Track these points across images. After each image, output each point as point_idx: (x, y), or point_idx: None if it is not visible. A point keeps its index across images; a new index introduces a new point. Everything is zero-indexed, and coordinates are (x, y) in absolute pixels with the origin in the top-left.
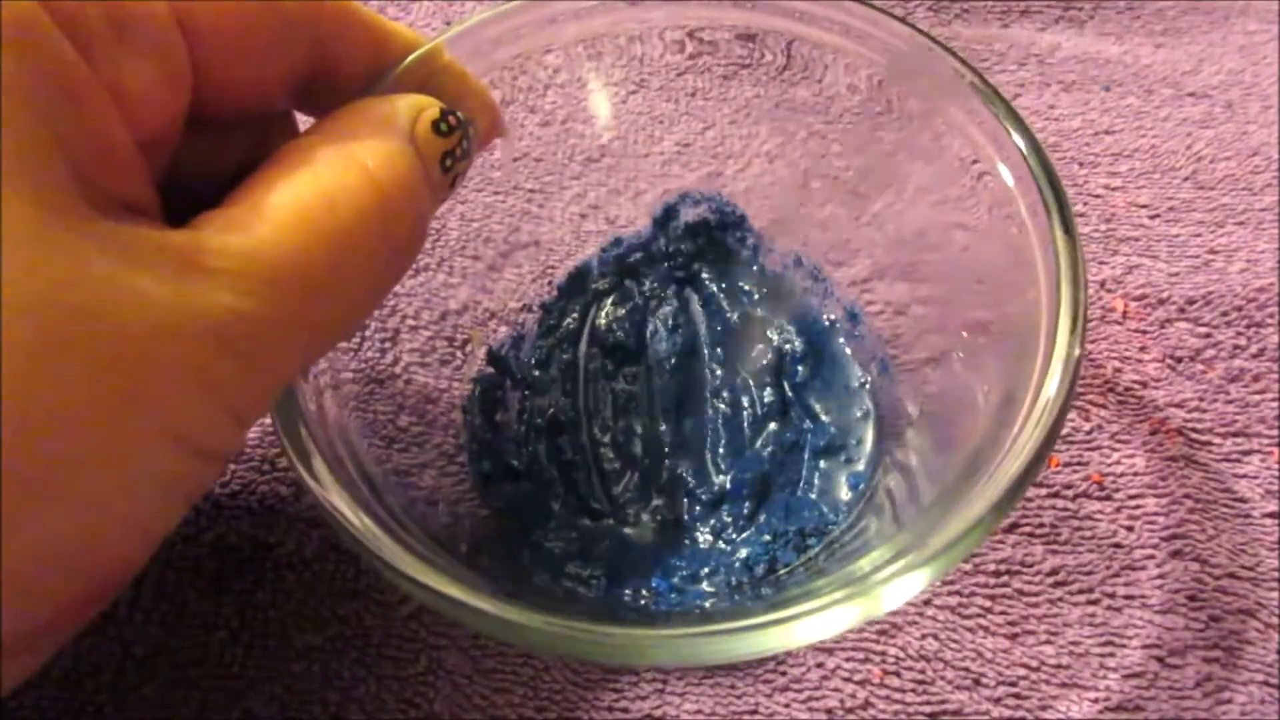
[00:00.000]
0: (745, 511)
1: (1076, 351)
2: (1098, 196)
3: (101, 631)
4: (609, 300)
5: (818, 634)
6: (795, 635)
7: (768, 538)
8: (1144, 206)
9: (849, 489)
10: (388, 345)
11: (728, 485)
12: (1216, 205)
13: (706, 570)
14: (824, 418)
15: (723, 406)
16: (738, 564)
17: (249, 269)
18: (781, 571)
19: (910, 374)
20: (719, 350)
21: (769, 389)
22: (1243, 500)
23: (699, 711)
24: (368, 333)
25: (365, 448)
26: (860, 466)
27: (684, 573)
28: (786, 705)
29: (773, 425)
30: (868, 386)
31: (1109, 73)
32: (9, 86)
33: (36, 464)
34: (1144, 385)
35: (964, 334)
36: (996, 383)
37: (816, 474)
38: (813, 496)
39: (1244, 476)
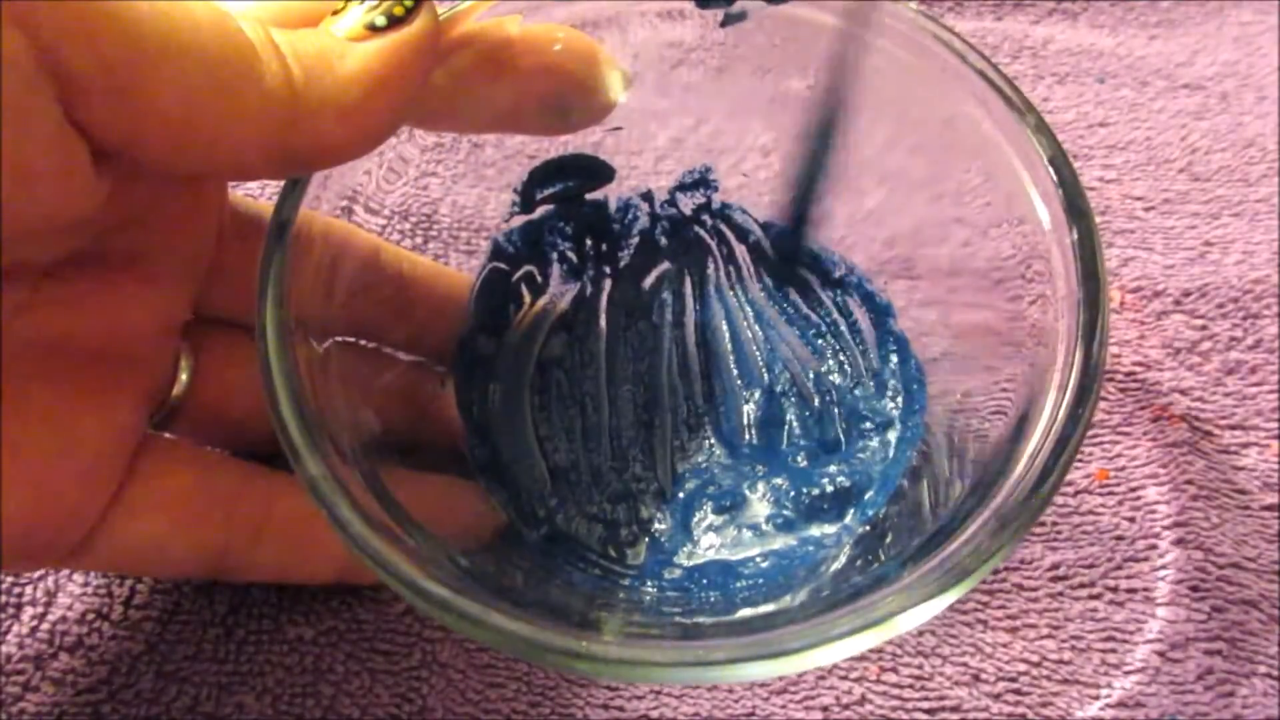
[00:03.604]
0: (746, 517)
1: (1098, 361)
2: (1092, 189)
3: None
4: (607, 284)
5: (826, 661)
6: (803, 664)
7: (771, 544)
8: (1139, 199)
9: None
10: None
11: (728, 489)
12: (1212, 197)
13: (706, 574)
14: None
15: (722, 407)
16: (738, 568)
17: None
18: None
19: None
20: (716, 348)
21: (761, 391)
22: (1243, 491)
23: (696, 714)
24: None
25: (363, 440)
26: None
27: (684, 573)
28: (784, 706)
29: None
30: None
31: (1103, 65)
32: None
33: None
34: (1142, 377)
35: (967, 335)
36: (1008, 390)
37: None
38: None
39: (1243, 469)
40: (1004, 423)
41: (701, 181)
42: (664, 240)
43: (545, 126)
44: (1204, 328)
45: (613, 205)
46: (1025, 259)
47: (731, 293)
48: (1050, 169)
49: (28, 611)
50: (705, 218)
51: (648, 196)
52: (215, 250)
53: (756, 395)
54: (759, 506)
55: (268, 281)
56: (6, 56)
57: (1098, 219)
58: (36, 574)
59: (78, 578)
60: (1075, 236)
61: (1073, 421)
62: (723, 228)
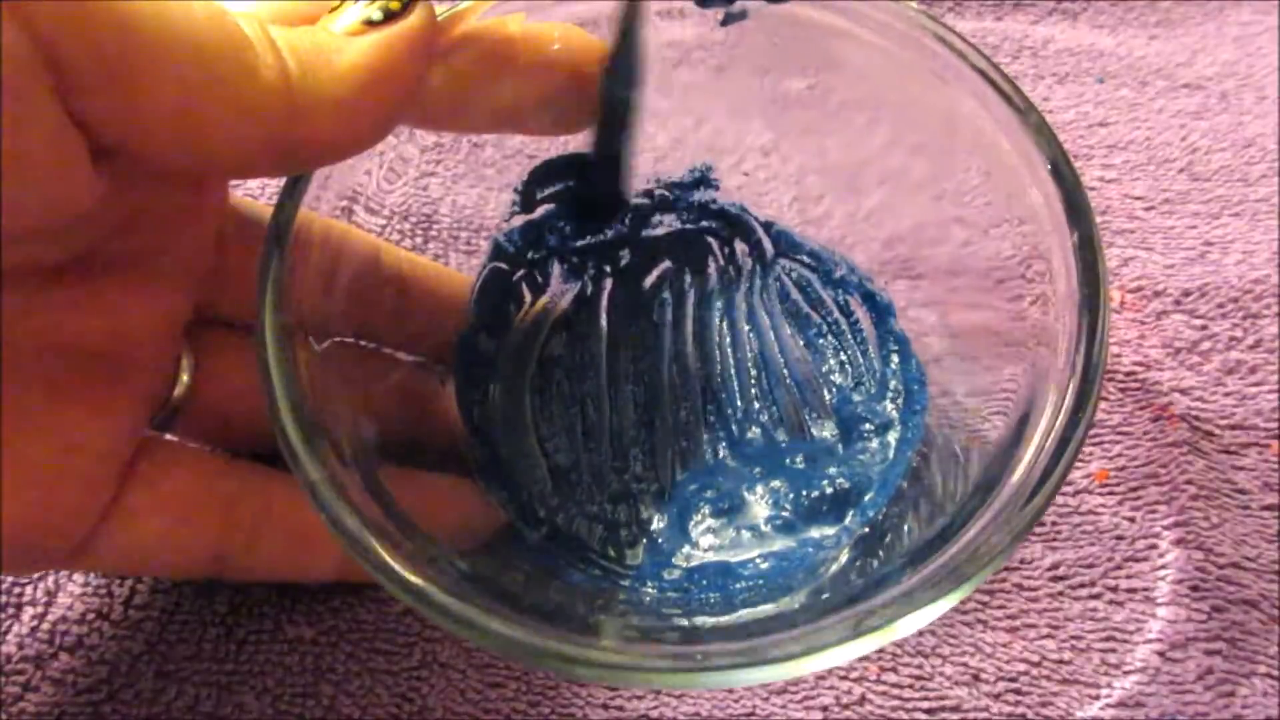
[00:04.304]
0: (745, 518)
1: (1098, 361)
2: (1093, 189)
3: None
4: (606, 285)
5: (825, 666)
6: (802, 669)
7: (770, 545)
8: (1139, 198)
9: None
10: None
11: (727, 490)
12: (1212, 197)
13: (705, 575)
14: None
15: (722, 407)
16: (738, 569)
17: None
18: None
19: None
20: (716, 347)
21: (761, 391)
22: (1243, 491)
23: (696, 714)
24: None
25: (363, 441)
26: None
27: (683, 574)
28: (784, 706)
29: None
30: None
31: (1103, 65)
32: None
33: None
34: (1142, 377)
35: (967, 335)
36: (1008, 391)
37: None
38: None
39: (1243, 469)
40: (1004, 423)
41: (702, 180)
42: (665, 240)
43: (545, 126)
44: (1204, 327)
45: None
46: (1025, 259)
47: (732, 292)
48: (1050, 169)
49: (28, 611)
50: (706, 218)
51: (649, 196)
52: (216, 252)
53: (756, 396)
54: (758, 508)
55: (267, 283)
56: (6, 50)
57: (1098, 219)
58: (36, 574)
59: (78, 578)
60: (1075, 236)
61: (1073, 422)
62: (723, 227)
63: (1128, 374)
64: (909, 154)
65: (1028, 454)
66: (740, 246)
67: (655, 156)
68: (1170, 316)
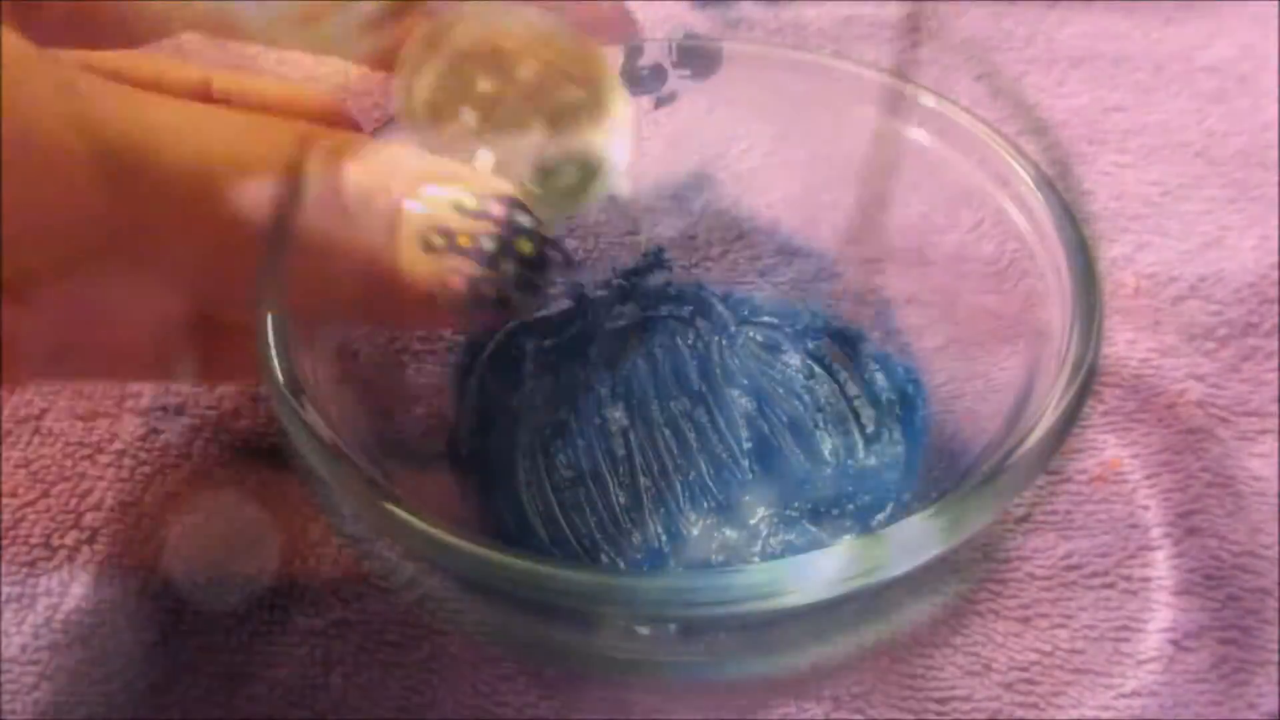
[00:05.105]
0: (745, 519)
1: (1095, 356)
2: (1107, 174)
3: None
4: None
5: (828, 655)
6: (805, 659)
7: (770, 545)
8: (1154, 184)
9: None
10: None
11: (727, 491)
12: (1228, 182)
13: (705, 575)
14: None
15: (720, 409)
16: (737, 569)
17: None
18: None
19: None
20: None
21: (759, 394)
22: (1258, 479)
23: (699, 711)
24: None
25: (362, 440)
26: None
27: (683, 574)
28: (791, 699)
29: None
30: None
31: (1118, 49)
32: None
33: None
34: (1156, 364)
35: (967, 330)
36: (1006, 387)
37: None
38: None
39: (1257, 456)
40: (1002, 419)
41: (655, 263)
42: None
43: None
44: (1219, 314)
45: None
46: (1023, 256)
47: (708, 363)
48: (1048, 167)
49: (41, 603)
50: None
51: (607, 287)
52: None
53: (753, 397)
54: (758, 508)
55: (266, 282)
56: (7, 48)
57: (1112, 204)
58: (47, 568)
59: (88, 571)
60: (1072, 233)
61: (1071, 418)
62: (682, 307)
63: (1141, 361)
64: (908, 153)
65: (1025, 447)
66: (702, 323)
67: (654, 157)
68: (1185, 302)
